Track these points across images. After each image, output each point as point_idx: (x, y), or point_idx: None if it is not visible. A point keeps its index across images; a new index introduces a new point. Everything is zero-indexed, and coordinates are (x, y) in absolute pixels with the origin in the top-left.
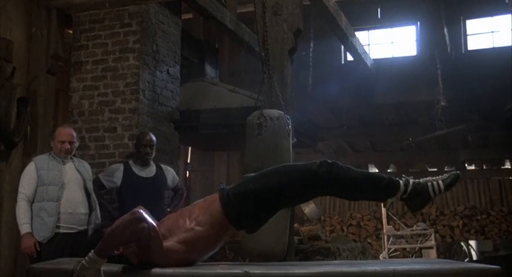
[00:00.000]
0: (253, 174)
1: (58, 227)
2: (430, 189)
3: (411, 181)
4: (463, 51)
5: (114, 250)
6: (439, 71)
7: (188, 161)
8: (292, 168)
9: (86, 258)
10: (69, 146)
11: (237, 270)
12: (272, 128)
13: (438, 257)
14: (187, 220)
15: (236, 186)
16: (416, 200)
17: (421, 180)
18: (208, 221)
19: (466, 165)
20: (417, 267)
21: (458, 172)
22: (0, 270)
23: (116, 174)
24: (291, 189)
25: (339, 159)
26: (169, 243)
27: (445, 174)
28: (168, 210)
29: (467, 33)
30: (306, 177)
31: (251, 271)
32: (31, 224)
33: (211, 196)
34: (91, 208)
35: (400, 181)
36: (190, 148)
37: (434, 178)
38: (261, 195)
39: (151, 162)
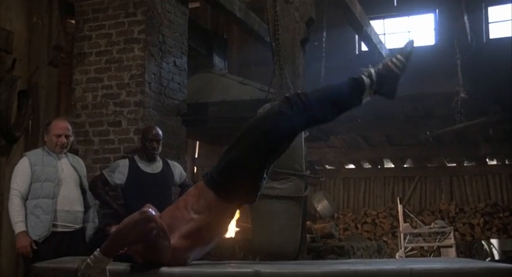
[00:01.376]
0: (227, 147)
1: (55, 225)
2: (393, 67)
3: (372, 70)
4: (484, 40)
5: (121, 249)
6: (458, 61)
7: (196, 156)
8: (257, 122)
9: (91, 256)
10: (65, 140)
11: (247, 269)
12: None
13: (458, 256)
14: (185, 211)
15: (216, 165)
16: (387, 85)
17: (380, 63)
18: (205, 207)
19: (487, 159)
20: (436, 266)
21: (411, 39)
22: (1, 269)
23: (121, 170)
24: (266, 141)
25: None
26: (173, 240)
27: (400, 47)
28: None
29: (489, 20)
30: (274, 122)
31: (262, 270)
32: (26, 222)
33: (199, 183)
34: (86, 206)
35: (363, 76)
36: (198, 142)
37: (391, 55)
38: (240, 162)
39: (158, 158)
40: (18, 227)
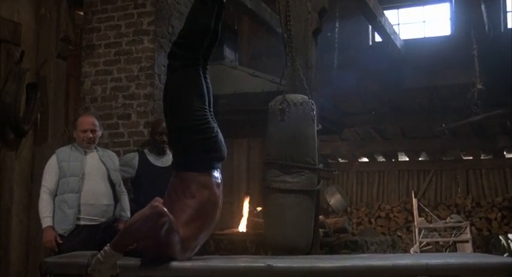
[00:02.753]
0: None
1: (79, 219)
2: None
3: None
4: (502, 30)
5: (132, 245)
6: (475, 51)
7: None
8: (165, 86)
9: (102, 252)
10: (91, 135)
11: (259, 264)
12: (295, 113)
13: (474, 252)
14: (177, 199)
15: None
16: None
17: None
18: (191, 188)
19: (505, 152)
20: (452, 261)
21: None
22: (11, 265)
23: (131, 164)
24: (180, 93)
25: (365, 146)
26: (180, 230)
27: None
28: None
29: (507, 9)
30: (173, 75)
31: (274, 265)
32: (53, 218)
33: (173, 172)
34: (116, 200)
35: None
36: None
37: None
38: (179, 128)
39: (168, 151)
40: (45, 222)
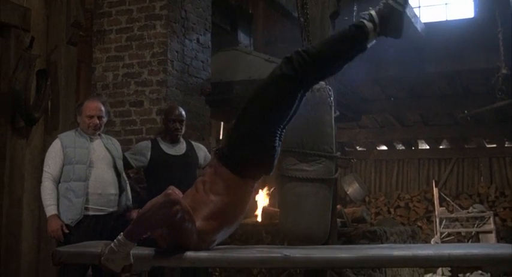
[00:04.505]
0: (234, 120)
1: (87, 209)
2: (395, 4)
3: (373, 12)
4: None
5: (145, 234)
6: (500, 34)
7: (220, 138)
8: (261, 87)
9: (115, 241)
10: (97, 121)
11: (276, 254)
12: (312, 100)
13: (498, 242)
14: (204, 193)
15: (226, 140)
16: (392, 24)
17: (380, 3)
18: (223, 186)
19: None
20: (475, 251)
21: None
22: (22, 255)
23: (144, 152)
24: (273, 107)
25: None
26: (197, 223)
27: None
28: None
29: None
30: (278, 86)
31: (291, 255)
32: (58, 206)
33: (212, 161)
34: (121, 189)
35: (364, 21)
36: (222, 123)
37: None
38: (250, 133)
39: (181, 139)
40: (50, 210)
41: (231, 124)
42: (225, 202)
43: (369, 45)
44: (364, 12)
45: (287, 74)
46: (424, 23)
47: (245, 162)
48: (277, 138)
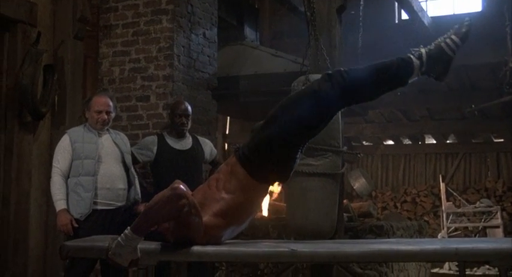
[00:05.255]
0: (260, 122)
1: (95, 203)
2: (447, 48)
3: (423, 50)
4: None
5: (152, 227)
6: (508, 28)
7: (227, 132)
8: (295, 98)
9: (122, 235)
10: (106, 117)
11: (283, 248)
12: None
13: (505, 237)
14: (216, 190)
15: (249, 141)
16: (438, 67)
17: (433, 44)
18: (236, 186)
19: None
20: (483, 246)
21: (468, 18)
22: (30, 250)
23: (150, 147)
24: (303, 120)
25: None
26: (205, 218)
27: (455, 26)
28: None
29: None
30: (311, 101)
31: (298, 249)
32: (67, 200)
33: (230, 158)
34: (130, 183)
35: (412, 57)
36: (229, 118)
37: (444, 36)
38: (275, 139)
39: (187, 134)
40: (59, 205)
41: (256, 125)
42: (236, 201)
43: (409, 81)
44: (414, 49)
45: (324, 91)
46: (431, 17)
47: (265, 167)
48: (300, 150)
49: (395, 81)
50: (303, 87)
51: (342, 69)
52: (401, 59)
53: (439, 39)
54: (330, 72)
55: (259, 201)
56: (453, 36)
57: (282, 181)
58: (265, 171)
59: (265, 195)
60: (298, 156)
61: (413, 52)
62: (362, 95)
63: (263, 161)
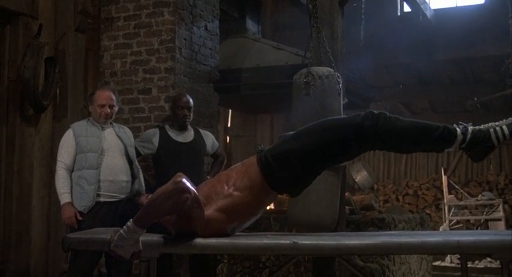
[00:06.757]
0: (291, 133)
1: (98, 196)
2: (493, 136)
3: (470, 128)
4: None
5: (155, 220)
6: (510, 20)
7: (229, 125)
8: (334, 123)
9: (125, 227)
10: (109, 110)
11: (284, 241)
12: (321, 87)
13: (507, 230)
14: (225, 186)
15: (274, 147)
16: (478, 149)
17: (482, 126)
18: (247, 186)
19: None
20: (484, 238)
21: None
22: (32, 242)
23: (152, 140)
24: (333, 146)
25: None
26: (208, 211)
27: (510, 118)
28: (208, 177)
29: None
30: (349, 132)
31: (300, 242)
32: (71, 193)
33: (249, 160)
34: (134, 176)
35: (458, 130)
36: (230, 111)
37: (497, 123)
38: (301, 155)
39: (189, 126)
40: (63, 198)
41: (286, 134)
42: (243, 200)
43: (445, 151)
44: (463, 123)
45: (364, 127)
46: (434, 10)
47: (282, 176)
48: (319, 173)
49: (432, 146)
50: (304, 80)
51: (389, 114)
52: (447, 128)
53: (490, 124)
54: (375, 111)
55: (265, 205)
56: (504, 127)
57: (291, 195)
58: (280, 180)
59: (272, 201)
60: (315, 176)
61: (460, 125)
62: (394, 145)
63: (282, 170)
